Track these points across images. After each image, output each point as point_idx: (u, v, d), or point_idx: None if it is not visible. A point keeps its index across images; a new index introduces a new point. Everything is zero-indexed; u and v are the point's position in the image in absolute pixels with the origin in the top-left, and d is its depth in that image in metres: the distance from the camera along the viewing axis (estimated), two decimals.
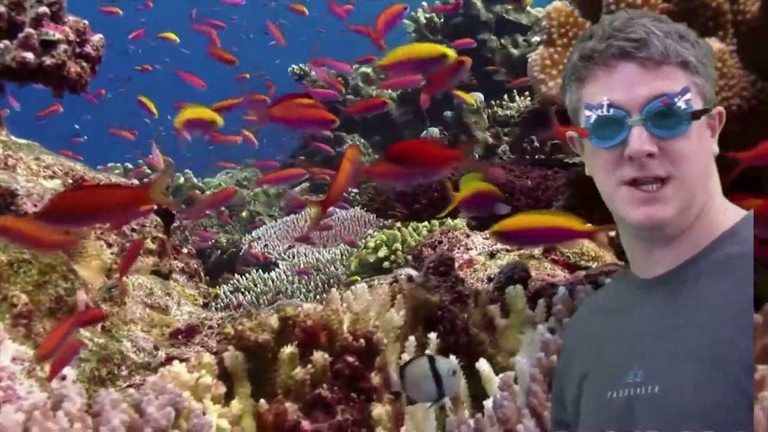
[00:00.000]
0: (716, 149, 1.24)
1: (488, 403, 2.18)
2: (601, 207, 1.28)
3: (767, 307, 1.40)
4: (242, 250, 8.32)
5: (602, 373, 1.25)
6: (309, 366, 2.57)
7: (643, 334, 1.20)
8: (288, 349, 2.61)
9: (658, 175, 1.18)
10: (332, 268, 7.04)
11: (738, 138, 1.98)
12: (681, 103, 1.18)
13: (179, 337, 3.15)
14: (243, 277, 7.34)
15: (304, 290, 6.87)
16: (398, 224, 6.40)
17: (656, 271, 1.24)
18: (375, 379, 2.57)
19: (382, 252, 6.50)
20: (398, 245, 6.47)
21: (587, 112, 1.22)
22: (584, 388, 1.29)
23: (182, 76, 5.85)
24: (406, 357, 2.58)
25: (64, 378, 2.59)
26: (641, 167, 1.18)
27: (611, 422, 1.20)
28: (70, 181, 4.05)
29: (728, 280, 1.14)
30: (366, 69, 10.70)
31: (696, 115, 1.19)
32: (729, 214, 1.23)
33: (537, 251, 3.81)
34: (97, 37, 3.38)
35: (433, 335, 2.60)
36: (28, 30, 3.16)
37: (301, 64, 10.58)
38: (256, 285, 7.12)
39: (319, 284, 6.92)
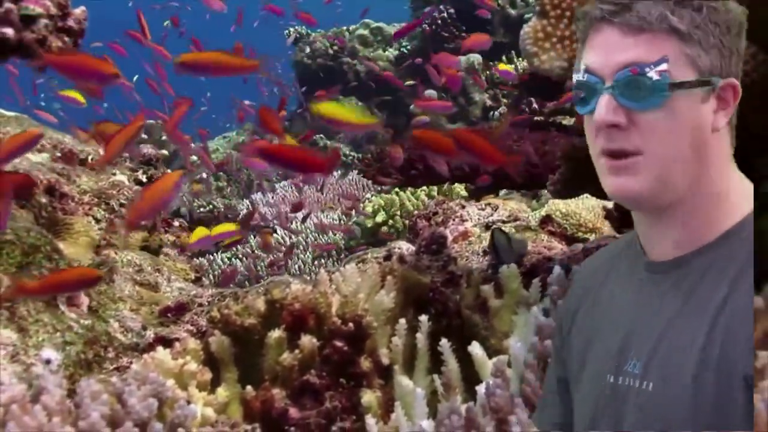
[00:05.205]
0: (721, 123, 1.15)
1: (481, 390, 2.12)
2: (595, 183, 1.21)
3: None
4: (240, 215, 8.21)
5: (603, 351, 1.24)
6: (297, 351, 2.51)
7: (645, 322, 1.18)
8: (275, 334, 2.55)
9: (624, 148, 1.12)
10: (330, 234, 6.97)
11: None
12: (653, 74, 1.10)
13: (169, 314, 3.10)
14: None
15: (301, 257, 6.81)
16: (396, 189, 6.35)
17: (663, 251, 1.19)
18: (364, 364, 2.51)
19: (380, 217, 6.46)
20: (396, 210, 6.43)
21: (574, 75, 1.19)
22: (587, 360, 1.29)
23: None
24: (396, 341, 2.53)
25: (48, 362, 2.55)
26: (609, 138, 1.13)
27: (608, 407, 1.21)
28: (58, 154, 3.99)
29: (732, 284, 1.09)
30: (363, 31, 10.59)
31: (671, 87, 1.11)
32: (746, 195, 1.17)
33: (534, 223, 3.75)
34: (79, 10, 3.28)
35: (424, 318, 2.54)
36: (8, 4, 3.05)
37: (297, 27, 10.47)
38: (253, 251, 7.06)
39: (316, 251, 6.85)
